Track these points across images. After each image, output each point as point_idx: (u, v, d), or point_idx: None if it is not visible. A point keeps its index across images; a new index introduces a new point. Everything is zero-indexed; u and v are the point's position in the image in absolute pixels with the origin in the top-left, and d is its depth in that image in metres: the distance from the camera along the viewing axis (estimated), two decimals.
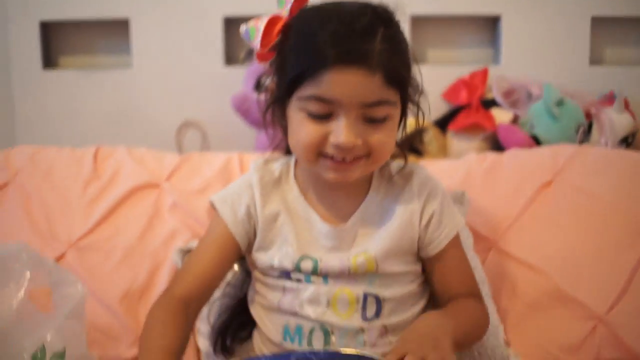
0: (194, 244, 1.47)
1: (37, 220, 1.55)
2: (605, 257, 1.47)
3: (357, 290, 1.19)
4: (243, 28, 1.18)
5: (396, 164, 1.29)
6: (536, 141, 1.93)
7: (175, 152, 1.77)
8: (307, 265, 1.20)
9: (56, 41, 2.31)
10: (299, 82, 1.09)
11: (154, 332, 1.13)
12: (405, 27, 2.00)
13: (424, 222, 1.23)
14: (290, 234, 1.22)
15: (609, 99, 2.06)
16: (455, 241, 1.26)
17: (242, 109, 2.06)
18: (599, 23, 2.19)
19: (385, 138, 1.13)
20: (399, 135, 1.21)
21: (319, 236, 1.22)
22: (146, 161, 1.66)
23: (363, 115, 1.10)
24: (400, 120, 1.19)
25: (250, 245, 1.25)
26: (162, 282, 1.46)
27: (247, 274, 1.39)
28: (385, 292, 1.21)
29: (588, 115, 2.00)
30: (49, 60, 2.29)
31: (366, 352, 1.06)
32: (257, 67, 2.07)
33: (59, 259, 1.49)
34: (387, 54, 1.08)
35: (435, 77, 2.13)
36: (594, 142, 1.98)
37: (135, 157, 1.67)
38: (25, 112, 2.22)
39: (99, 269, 1.48)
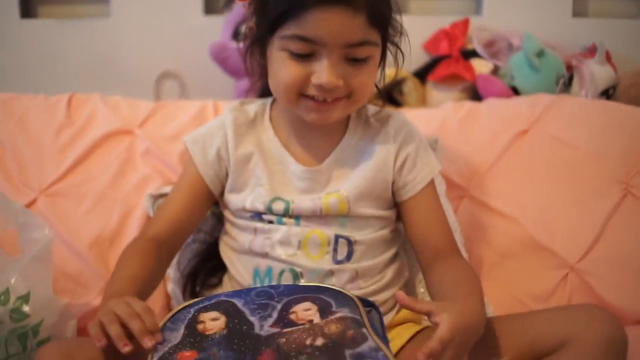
0: (166, 189, 1.46)
1: (9, 167, 1.53)
2: (579, 206, 1.47)
3: (328, 232, 1.20)
4: None
5: (373, 107, 1.30)
6: (516, 92, 1.91)
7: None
8: (278, 206, 1.20)
9: None
10: (281, 21, 1.09)
11: (122, 264, 1.15)
12: None
13: (398, 164, 1.24)
14: (263, 175, 1.23)
15: (591, 51, 2.04)
16: (431, 187, 1.26)
17: (220, 57, 2.03)
18: None
19: (367, 79, 1.14)
20: (378, 76, 1.21)
21: (293, 177, 1.23)
22: (120, 108, 1.64)
23: (345, 56, 1.10)
24: (380, 62, 1.19)
25: (222, 187, 1.26)
26: (132, 228, 1.45)
27: (217, 220, 1.39)
28: (357, 235, 1.21)
29: (569, 68, 1.98)
30: (27, 10, 2.26)
31: (325, 284, 1.07)
32: (235, 15, 2.04)
33: (30, 205, 1.47)
34: None
35: (417, 27, 2.08)
36: (574, 94, 1.96)
37: (110, 104, 1.65)
38: (1, 61, 2.18)
39: (69, 215, 1.47)
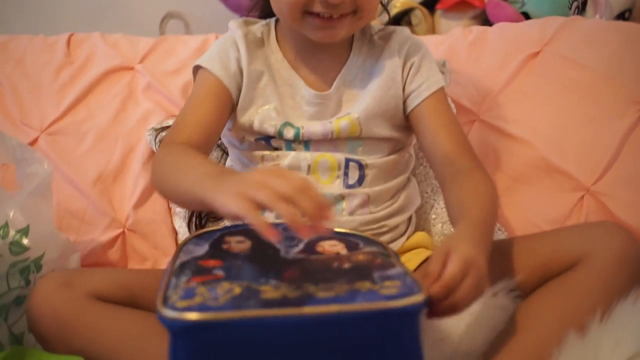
0: (168, 122, 1.43)
1: (9, 108, 1.51)
2: (594, 127, 1.42)
3: (338, 156, 1.17)
4: None
5: (376, 25, 1.25)
6: (527, 18, 1.86)
7: None
8: (288, 132, 1.16)
9: None
10: None
11: (180, 160, 1.02)
12: None
13: (405, 75, 1.20)
14: (273, 97, 1.18)
15: None
16: (439, 96, 1.21)
17: None
18: None
19: None
20: None
21: (302, 102, 1.18)
22: (120, 45, 1.61)
23: None
24: None
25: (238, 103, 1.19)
26: (136, 163, 1.43)
27: (222, 152, 1.36)
28: (368, 158, 1.18)
29: None
30: None
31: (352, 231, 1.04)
32: None
33: (32, 144, 1.46)
34: None
35: None
36: (588, 17, 1.92)
37: (109, 42, 1.61)
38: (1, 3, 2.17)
39: (71, 153, 1.45)
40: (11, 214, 1.12)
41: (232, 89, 1.16)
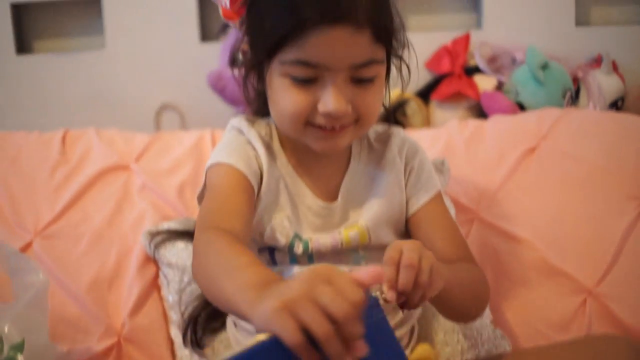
0: (164, 225, 1.41)
1: (3, 209, 1.49)
2: (594, 225, 1.41)
3: (341, 269, 1.13)
4: None
5: (373, 129, 1.22)
6: (521, 108, 1.87)
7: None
8: (298, 247, 1.12)
9: (28, 24, 2.25)
10: (280, 45, 1.00)
11: (227, 256, 0.92)
12: None
13: (405, 180, 1.18)
14: (287, 205, 1.13)
15: (597, 61, 2.01)
16: (437, 202, 1.18)
17: (218, 86, 2.00)
18: None
19: (374, 101, 1.06)
20: (384, 95, 1.13)
21: (308, 213, 1.14)
22: (116, 142, 1.60)
23: (351, 77, 1.02)
24: (385, 79, 1.11)
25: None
26: (131, 268, 1.40)
27: None
28: None
29: (575, 80, 1.95)
30: (22, 46, 2.23)
31: None
32: (231, 41, 2.01)
33: (26, 248, 1.43)
34: (373, 8, 1.00)
35: (417, 45, 2.02)
36: (582, 107, 1.93)
37: (105, 139, 1.61)
38: None
39: (66, 257, 1.42)
40: (6, 329, 1.10)
41: (255, 186, 1.09)
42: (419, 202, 1.17)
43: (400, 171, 1.18)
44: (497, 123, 1.63)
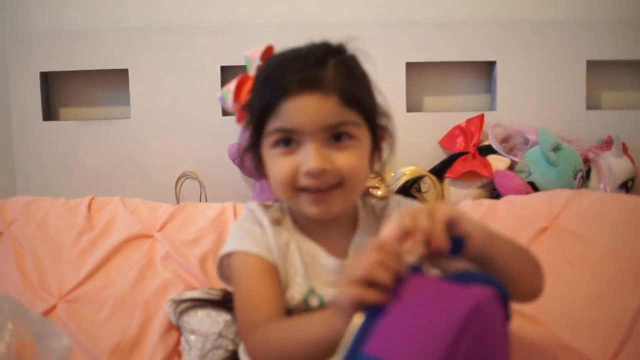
0: (187, 294, 1.45)
1: (28, 272, 1.53)
2: (604, 304, 1.43)
3: None
4: (218, 94, 1.29)
5: (374, 199, 1.33)
6: (533, 187, 1.91)
7: (172, 203, 1.77)
8: (314, 302, 1.18)
9: (56, 92, 2.32)
10: (263, 120, 1.14)
11: (283, 330, 1.07)
12: (401, 75, 2.02)
13: None
14: (300, 265, 1.20)
15: (607, 143, 2.06)
16: None
17: (237, 159, 2.05)
18: (594, 67, 2.19)
19: (354, 160, 1.14)
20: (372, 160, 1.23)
21: (323, 271, 1.21)
22: (140, 211, 1.65)
23: (327, 139, 1.12)
24: (374, 148, 1.21)
25: None
26: (153, 334, 1.43)
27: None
28: None
29: (586, 161, 1.99)
30: (49, 111, 2.30)
31: None
32: None
33: (50, 311, 1.47)
34: (340, 78, 1.12)
35: (432, 124, 2.12)
36: (592, 187, 1.97)
37: (129, 208, 1.66)
38: (24, 163, 2.21)
39: (89, 321, 1.46)
40: None
41: (273, 262, 1.18)
42: None
43: None
44: (510, 203, 1.67)
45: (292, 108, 1.11)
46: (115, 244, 1.56)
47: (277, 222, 1.25)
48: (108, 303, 1.48)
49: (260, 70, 1.22)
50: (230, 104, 1.26)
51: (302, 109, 1.11)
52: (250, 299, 1.16)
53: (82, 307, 1.48)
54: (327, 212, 1.16)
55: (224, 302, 1.39)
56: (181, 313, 1.42)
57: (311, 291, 1.18)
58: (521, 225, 1.58)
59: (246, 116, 1.22)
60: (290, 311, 1.18)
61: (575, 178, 1.92)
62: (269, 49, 1.25)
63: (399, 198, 1.31)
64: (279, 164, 1.14)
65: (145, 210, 1.66)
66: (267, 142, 1.15)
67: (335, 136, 1.13)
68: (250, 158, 1.24)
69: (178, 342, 1.42)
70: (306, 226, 1.25)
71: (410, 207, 1.22)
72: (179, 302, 1.44)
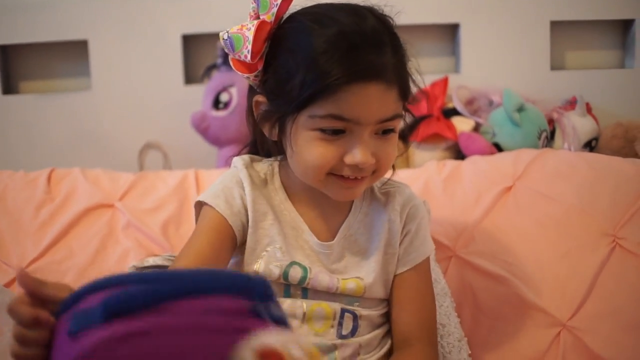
0: (149, 261, 1.43)
1: None
2: (568, 262, 1.44)
3: (335, 305, 1.15)
4: (224, 35, 1.09)
5: (382, 185, 1.26)
6: (498, 149, 1.91)
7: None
8: (295, 273, 1.14)
9: (15, 65, 2.28)
10: (311, 100, 1.03)
11: None
12: None
13: (401, 239, 1.21)
14: (278, 237, 1.16)
15: (571, 103, 2.06)
16: (421, 269, 1.23)
17: (201, 127, 2.03)
18: (558, 27, 2.19)
19: (393, 152, 1.10)
20: None
21: (306, 245, 1.17)
22: (100, 181, 1.63)
23: (375, 131, 1.06)
24: None
25: (242, 239, 1.16)
26: None
27: None
28: (363, 311, 1.17)
29: (550, 121, 2.00)
30: (8, 85, 2.26)
31: None
32: (214, 84, 2.05)
33: (10, 283, 1.44)
34: (399, 66, 1.06)
35: None
36: (557, 147, 1.97)
37: (90, 178, 1.64)
38: None
39: None
40: None
41: (235, 227, 1.13)
42: (404, 267, 1.21)
43: (397, 232, 1.21)
44: (474, 163, 1.66)
45: (353, 98, 1.01)
46: (75, 215, 1.54)
47: (262, 183, 1.20)
48: (69, 274, 1.47)
49: (295, 33, 1.07)
50: (245, 52, 1.07)
51: (366, 100, 1.02)
52: (191, 249, 1.12)
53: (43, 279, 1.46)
54: (353, 196, 1.14)
55: None
56: None
57: (292, 263, 1.15)
58: (485, 185, 1.58)
59: (259, 71, 1.11)
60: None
61: (539, 138, 1.92)
62: None
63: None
64: (319, 148, 1.06)
65: (106, 180, 1.63)
66: (309, 123, 1.05)
67: (382, 130, 1.06)
68: (257, 124, 1.16)
69: None
70: (296, 195, 1.20)
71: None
72: (141, 268, 1.42)
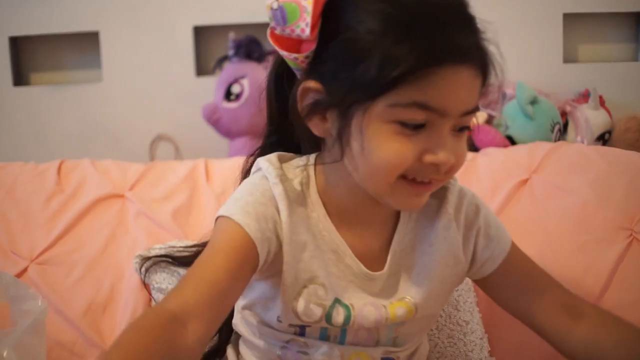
0: (155, 248, 1.42)
1: None
2: (585, 256, 1.43)
3: (374, 352, 1.03)
4: (273, 5, 0.89)
5: None
6: (511, 141, 1.90)
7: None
8: (338, 314, 0.99)
9: (26, 57, 2.28)
10: (393, 85, 0.85)
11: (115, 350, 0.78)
12: None
13: (472, 248, 1.06)
14: (320, 270, 0.98)
15: (584, 96, 2.05)
16: (515, 249, 1.09)
17: (212, 119, 2.03)
18: (571, 20, 2.16)
19: (466, 152, 0.96)
20: None
21: (348, 272, 1.00)
22: (110, 172, 1.62)
23: (454, 127, 0.90)
24: None
25: (268, 266, 0.97)
26: (125, 294, 1.41)
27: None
28: (405, 351, 1.07)
29: (563, 114, 1.98)
30: (19, 77, 2.26)
31: None
32: (226, 75, 2.04)
33: (21, 274, 1.44)
34: (484, 49, 0.91)
35: None
36: (570, 140, 1.96)
37: (100, 169, 1.63)
38: None
39: (61, 283, 1.43)
40: (5, 354, 1.10)
41: (262, 254, 0.94)
42: (495, 262, 1.07)
43: (457, 239, 1.05)
44: (489, 156, 1.65)
45: (445, 82, 0.84)
46: (85, 205, 1.53)
47: (299, 200, 0.99)
48: (79, 264, 1.46)
49: (363, 4, 0.88)
50: (303, 25, 0.88)
51: (457, 87, 0.86)
52: (200, 268, 0.90)
53: (53, 269, 1.45)
54: (419, 205, 0.95)
55: (194, 257, 1.04)
56: (148, 270, 1.38)
57: (336, 302, 0.99)
58: (500, 178, 1.56)
59: (310, 52, 0.92)
60: (302, 327, 1.01)
61: (552, 131, 1.91)
62: None
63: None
64: (396, 144, 0.87)
65: (116, 171, 1.62)
66: (386, 113, 0.87)
67: (461, 125, 0.90)
68: (304, 115, 0.95)
69: (150, 300, 1.40)
70: (336, 207, 1.01)
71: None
72: (146, 258, 1.39)
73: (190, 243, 1.39)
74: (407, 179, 0.91)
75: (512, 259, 1.07)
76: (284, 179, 0.98)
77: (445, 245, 1.04)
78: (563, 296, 1.08)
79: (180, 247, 1.37)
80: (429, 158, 0.88)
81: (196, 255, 0.96)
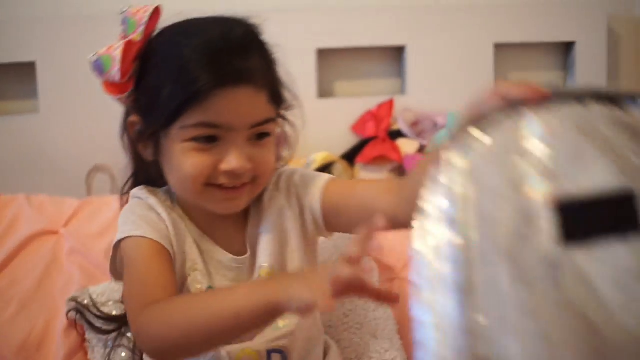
0: (89, 290, 1.43)
1: None
2: None
3: (259, 347, 1.12)
4: (93, 58, 1.10)
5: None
6: None
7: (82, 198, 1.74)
8: None
9: None
10: (180, 111, 1.03)
11: (188, 302, 1.03)
12: (312, 61, 2.02)
13: (295, 204, 1.19)
14: (199, 260, 1.13)
15: None
16: (336, 179, 1.21)
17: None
18: (502, 49, 2.22)
19: (270, 157, 1.11)
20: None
21: (219, 266, 1.15)
22: (45, 207, 1.62)
23: (250, 137, 1.07)
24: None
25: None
26: (59, 331, 1.41)
27: None
28: (292, 342, 1.14)
29: None
30: None
31: None
32: None
33: None
34: (267, 71, 1.09)
35: (344, 110, 2.12)
36: None
37: (35, 204, 1.63)
38: None
39: None
40: None
41: (170, 250, 1.10)
42: (317, 191, 1.16)
43: (281, 204, 1.19)
44: None
45: (222, 102, 1.02)
46: (19, 242, 1.53)
47: (169, 208, 1.16)
48: (13, 302, 1.45)
49: (161, 47, 1.10)
50: (114, 73, 1.08)
51: (234, 105, 1.03)
52: (143, 280, 1.06)
53: None
54: (236, 208, 1.12)
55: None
56: (80, 311, 1.39)
57: (210, 288, 1.12)
58: None
59: (131, 92, 1.11)
60: None
61: None
62: (156, 11, 1.13)
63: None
64: (192, 159, 1.05)
65: (51, 206, 1.63)
66: (181, 134, 1.05)
67: (256, 135, 1.07)
68: (135, 146, 1.16)
69: (84, 339, 1.40)
70: (198, 219, 1.17)
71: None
72: (79, 303, 1.40)
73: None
74: (215, 185, 1.07)
75: (332, 186, 1.17)
76: (154, 193, 1.17)
77: (276, 213, 1.18)
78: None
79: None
80: (223, 166, 1.05)
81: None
